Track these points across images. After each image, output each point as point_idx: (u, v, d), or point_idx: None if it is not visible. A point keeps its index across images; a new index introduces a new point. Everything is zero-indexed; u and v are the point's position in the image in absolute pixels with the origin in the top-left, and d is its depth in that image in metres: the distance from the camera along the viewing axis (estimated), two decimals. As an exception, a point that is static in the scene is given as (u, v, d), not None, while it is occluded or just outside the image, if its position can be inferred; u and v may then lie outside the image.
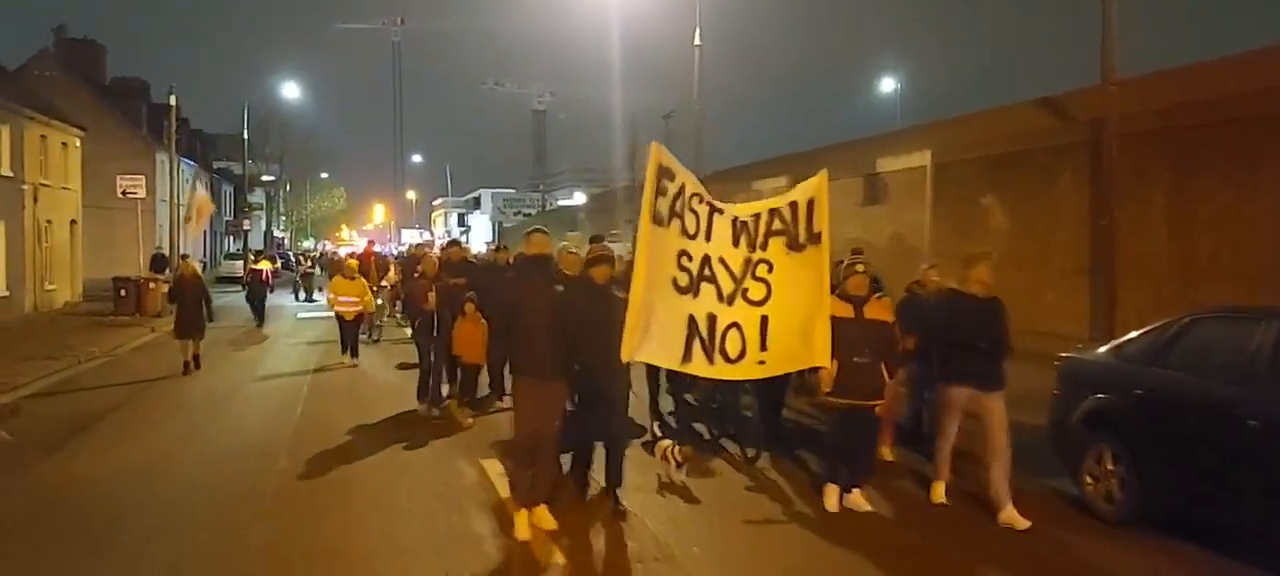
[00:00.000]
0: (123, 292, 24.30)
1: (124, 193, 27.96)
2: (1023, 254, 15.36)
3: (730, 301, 6.38)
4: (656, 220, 6.20)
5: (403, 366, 14.02)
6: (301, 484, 7.65)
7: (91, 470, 8.21)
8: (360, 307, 15.02)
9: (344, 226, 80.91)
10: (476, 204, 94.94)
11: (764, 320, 6.37)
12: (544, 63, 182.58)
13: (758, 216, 6.57)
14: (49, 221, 28.14)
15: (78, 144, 30.94)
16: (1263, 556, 5.53)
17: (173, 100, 32.47)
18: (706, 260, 6.39)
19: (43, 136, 27.88)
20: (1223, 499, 5.76)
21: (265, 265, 23.95)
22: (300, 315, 25.32)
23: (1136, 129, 12.81)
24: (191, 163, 47.43)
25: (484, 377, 10.78)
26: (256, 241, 55.60)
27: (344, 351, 14.99)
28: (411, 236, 75.68)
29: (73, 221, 30.38)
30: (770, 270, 6.46)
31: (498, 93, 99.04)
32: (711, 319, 6.31)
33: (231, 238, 54.88)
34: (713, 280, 6.39)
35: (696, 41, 23.07)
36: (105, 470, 8.21)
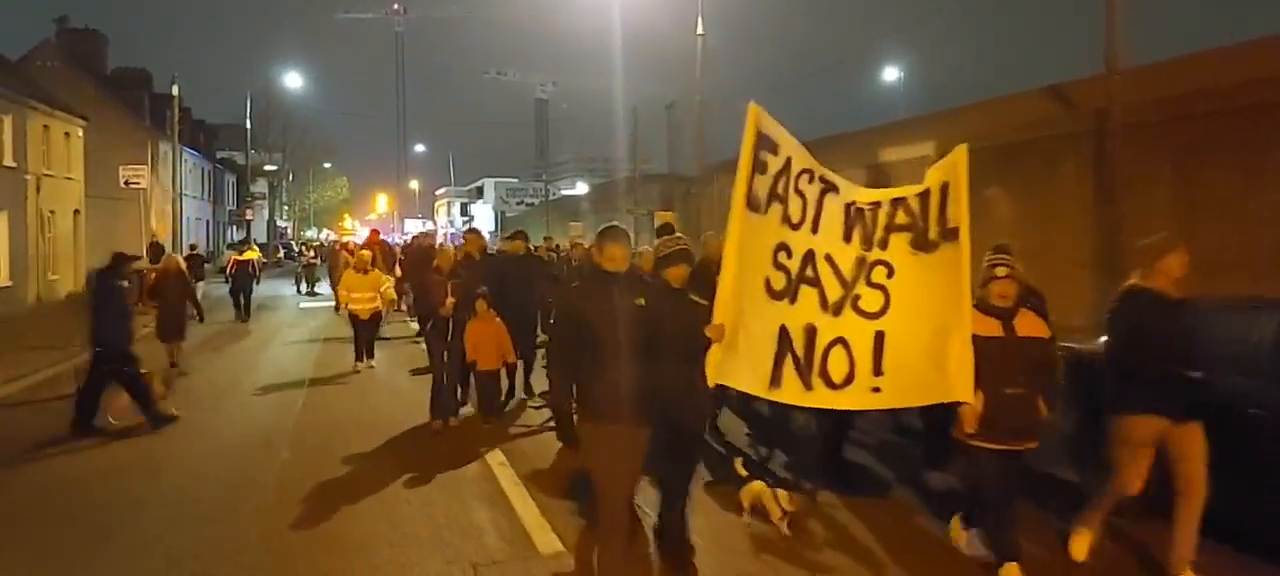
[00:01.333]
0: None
1: (127, 183, 28.05)
2: (1028, 245, 15.32)
3: (836, 311, 5.07)
4: (752, 205, 4.93)
5: (417, 372, 12.40)
6: (303, 475, 7.64)
7: (96, 461, 8.21)
8: (377, 304, 13.46)
9: (346, 216, 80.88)
10: (480, 193, 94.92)
11: (879, 337, 5.03)
12: (547, 52, 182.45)
13: (877, 206, 5.26)
14: (52, 212, 28.19)
15: (80, 134, 30.96)
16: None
17: (175, 90, 32.58)
18: (810, 257, 5.11)
19: (45, 127, 27.90)
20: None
21: (250, 255, 22.36)
22: (303, 305, 25.39)
23: (1141, 119, 12.77)
24: (195, 152, 47.47)
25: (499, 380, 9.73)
26: (259, 231, 55.76)
27: (359, 357, 13.37)
28: (414, 226, 75.72)
29: (76, 211, 30.42)
30: (890, 275, 5.13)
31: (501, 82, 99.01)
32: (810, 332, 5.00)
33: (234, 227, 54.93)
34: (816, 282, 5.11)
35: (699, 31, 23.01)
36: (110, 461, 8.22)
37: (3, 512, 6.74)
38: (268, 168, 61.48)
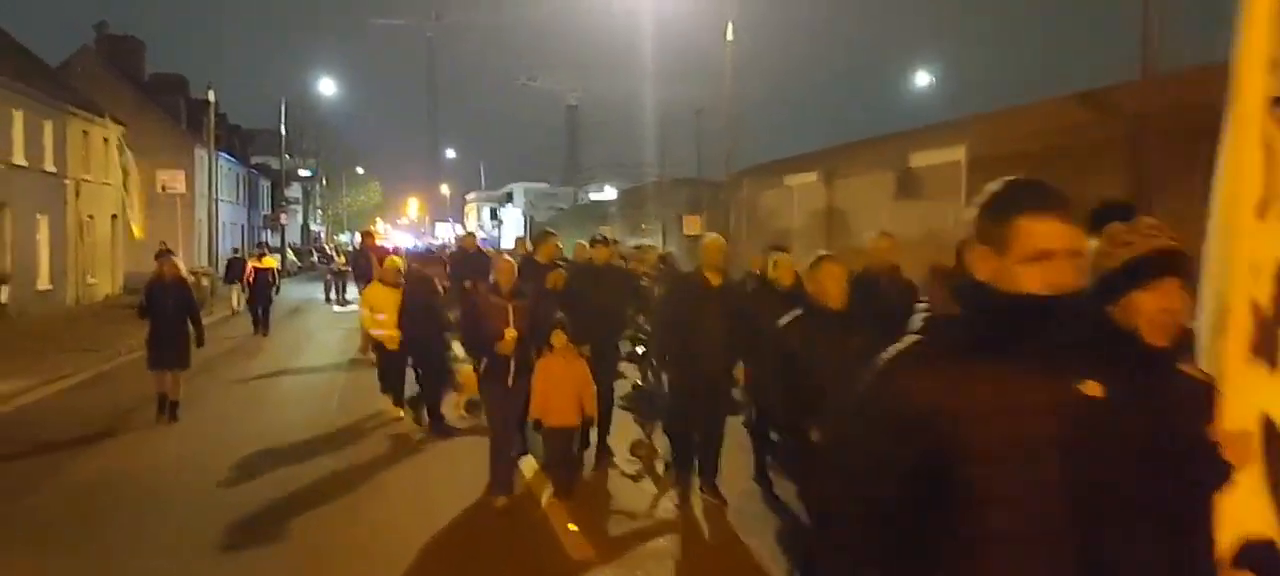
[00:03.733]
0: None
1: (163, 188, 28.38)
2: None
3: None
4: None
5: (472, 407, 9.55)
6: (340, 479, 7.71)
7: (130, 463, 8.34)
8: None
9: (377, 220, 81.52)
10: (509, 198, 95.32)
11: None
12: (577, 57, 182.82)
13: None
14: (91, 216, 28.68)
15: (118, 139, 31.45)
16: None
17: (211, 96, 32.99)
18: None
19: (85, 132, 28.39)
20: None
21: (269, 262, 20.07)
22: (335, 310, 25.53)
23: (1178, 124, 12.57)
24: (230, 157, 48.06)
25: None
26: (293, 235, 56.35)
27: (385, 390, 10.22)
28: (445, 230, 76.13)
29: (113, 216, 30.90)
30: None
31: (531, 88, 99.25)
32: None
33: (269, 232, 55.54)
34: None
35: (729, 36, 22.98)
36: (143, 463, 8.34)
37: (37, 513, 6.85)
38: (302, 173, 62.13)
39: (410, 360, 9.98)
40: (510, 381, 6.82)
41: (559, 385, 6.88)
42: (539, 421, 7.01)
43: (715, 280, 6.69)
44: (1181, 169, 13.08)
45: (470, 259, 15.10)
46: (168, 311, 10.06)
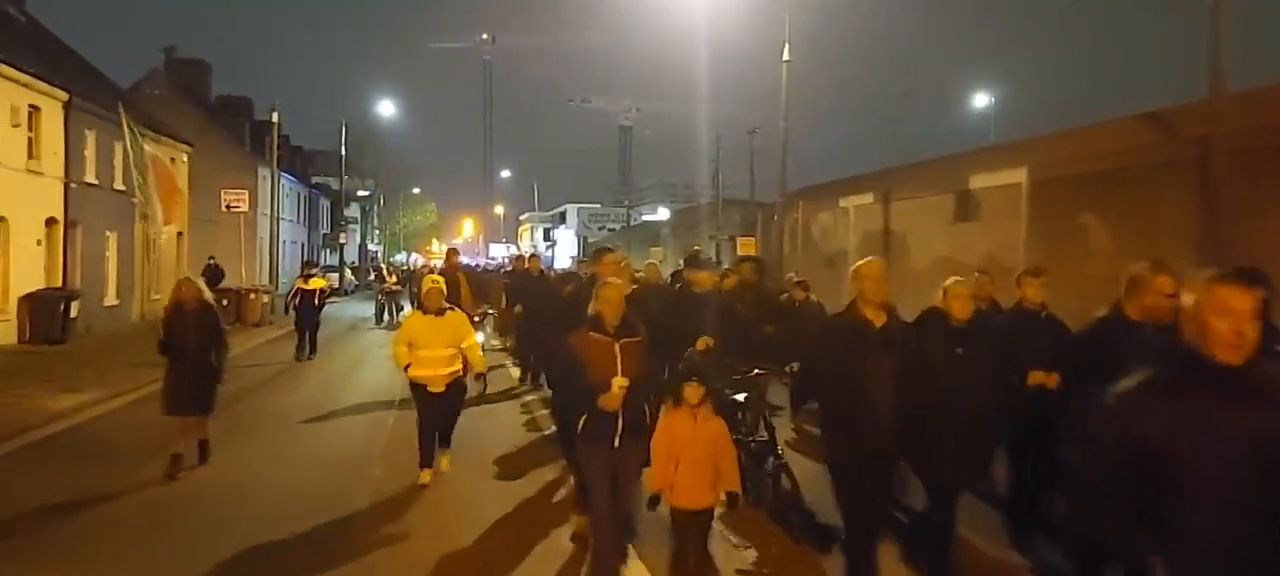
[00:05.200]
0: (224, 302, 25.23)
1: (228, 207, 29.03)
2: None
3: None
4: None
5: (549, 445, 8.83)
6: (393, 495, 7.75)
7: (189, 476, 8.45)
8: (457, 368, 8.31)
9: (434, 240, 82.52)
10: (562, 219, 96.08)
11: None
12: (631, 79, 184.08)
13: None
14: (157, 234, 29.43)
15: (185, 159, 32.31)
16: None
17: (275, 117, 33.78)
18: None
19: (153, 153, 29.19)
20: None
21: (317, 283, 18.43)
22: (386, 336, 25.63)
23: (1249, 145, 12.19)
24: (292, 177, 49.08)
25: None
26: (351, 255, 57.27)
27: (429, 457, 8.19)
28: (500, 251, 76.74)
29: (180, 234, 31.70)
30: None
31: (585, 109, 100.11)
32: None
33: (328, 250, 56.51)
34: None
35: (785, 57, 22.89)
36: (203, 476, 8.46)
37: (92, 529, 6.96)
38: (360, 193, 63.23)
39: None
40: (617, 443, 5.26)
41: (689, 451, 5.31)
42: (657, 499, 5.45)
43: (878, 320, 5.05)
44: (1253, 188, 12.69)
45: (533, 283, 14.01)
46: (188, 347, 8.32)
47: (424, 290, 8.47)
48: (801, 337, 7.27)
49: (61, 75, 21.72)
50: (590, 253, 7.17)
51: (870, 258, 5.26)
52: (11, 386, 13.51)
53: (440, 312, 8.21)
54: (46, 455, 9.65)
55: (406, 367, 8.14)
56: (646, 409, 5.48)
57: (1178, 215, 14.12)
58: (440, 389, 8.14)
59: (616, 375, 5.16)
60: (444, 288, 8.45)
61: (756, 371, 7.29)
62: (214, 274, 27.52)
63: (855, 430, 4.88)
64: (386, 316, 26.96)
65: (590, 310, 5.44)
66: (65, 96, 21.80)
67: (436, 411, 8.22)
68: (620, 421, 5.25)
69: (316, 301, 18.06)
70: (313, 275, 18.76)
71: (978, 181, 20.08)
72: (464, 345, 8.32)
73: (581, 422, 5.34)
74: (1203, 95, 12.06)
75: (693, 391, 5.37)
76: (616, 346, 5.28)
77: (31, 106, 20.75)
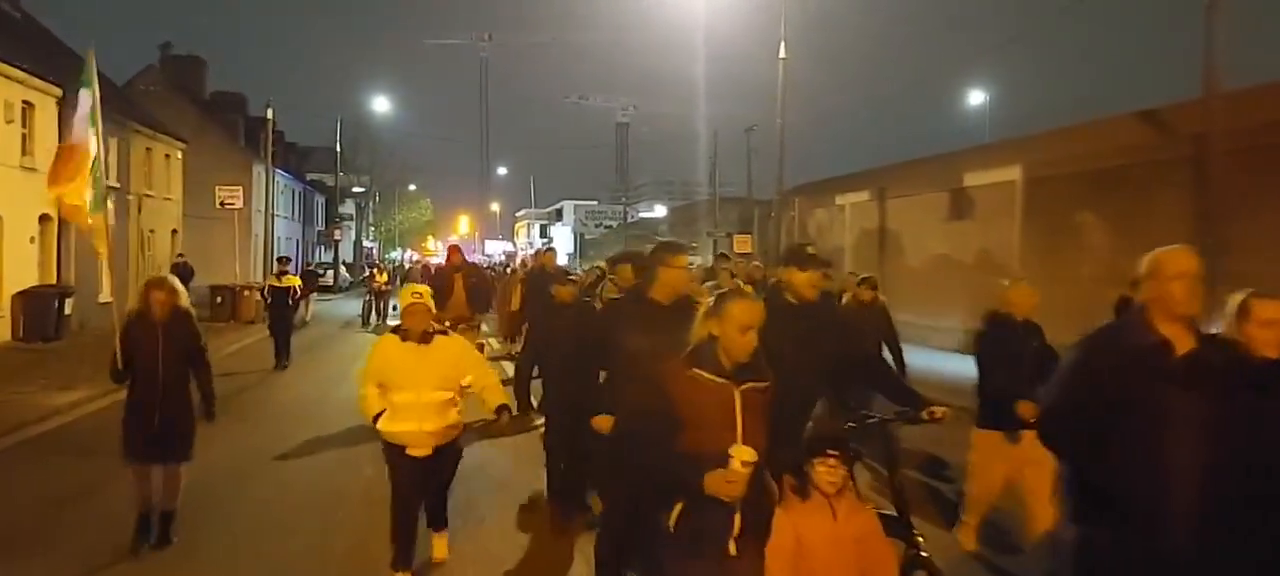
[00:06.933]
0: (219, 299, 25.29)
1: (222, 203, 29.00)
2: (1123, 274, 14.83)
3: None
4: None
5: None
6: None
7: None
8: (454, 420, 5.59)
9: (430, 237, 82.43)
10: (559, 215, 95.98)
11: None
12: (627, 77, 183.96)
13: None
14: (151, 231, 29.42)
15: (180, 156, 32.28)
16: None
17: (269, 114, 33.73)
18: None
19: (148, 149, 29.16)
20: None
21: (290, 282, 16.70)
22: (373, 338, 25.28)
23: (1245, 144, 12.24)
24: (287, 174, 49.01)
25: None
26: (346, 252, 57.23)
27: (408, 556, 5.55)
28: (496, 248, 76.66)
29: (174, 231, 31.66)
30: None
31: (582, 106, 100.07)
32: None
33: (323, 247, 56.48)
34: None
35: (782, 54, 22.89)
36: (198, 473, 8.42)
37: (91, 523, 6.95)
38: (355, 189, 63.18)
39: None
40: (731, 546, 3.35)
41: (828, 563, 3.45)
42: None
43: (1183, 342, 3.60)
44: (1249, 189, 12.72)
45: (544, 285, 9.86)
46: (157, 370, 6.22)
47: (402, 306, 5.55)
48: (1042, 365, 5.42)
49: (56, 71, 21.65)
50: (655, 249, 5.02)
51: (1178, 245, 3.30)
52: (6, 383, 13.48)
53: (427, 338, 5.44)
54: (42, 451, 9.65)
55: (377, 417, 5.46)
56: (774, 493, 3.58)
57: (1173, 213, 14.16)
58: (426, 452, 5.42)
59: (736, 441, 3.26)
60: (431, 304, 5.57)
61: (880, 417, 4.76)
62: (183, 272, 25.09)
63: (1142, 522, 3.03)
64: (374, 318, 25.54)
65: (698, 331, 3.49)
66: (59, 93, 21.73)
67: (421, 484, 5.55)
68: (738, 518, 3.35)
69: (291, 301, 16.58)
70: (285, 272, 17.06)
71: (972, 179, 20.13)
72: (470, 384, 5.60)
73: (673, 515, 3.37)
74: (1198, 94, 12.10)
75: (829, 471, 3.47)
76: (737, 395, 3.36)
77: (25, 103, 20.69)
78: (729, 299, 3.47)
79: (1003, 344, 5.81)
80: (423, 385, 5.38)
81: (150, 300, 6.28)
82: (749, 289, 3.76)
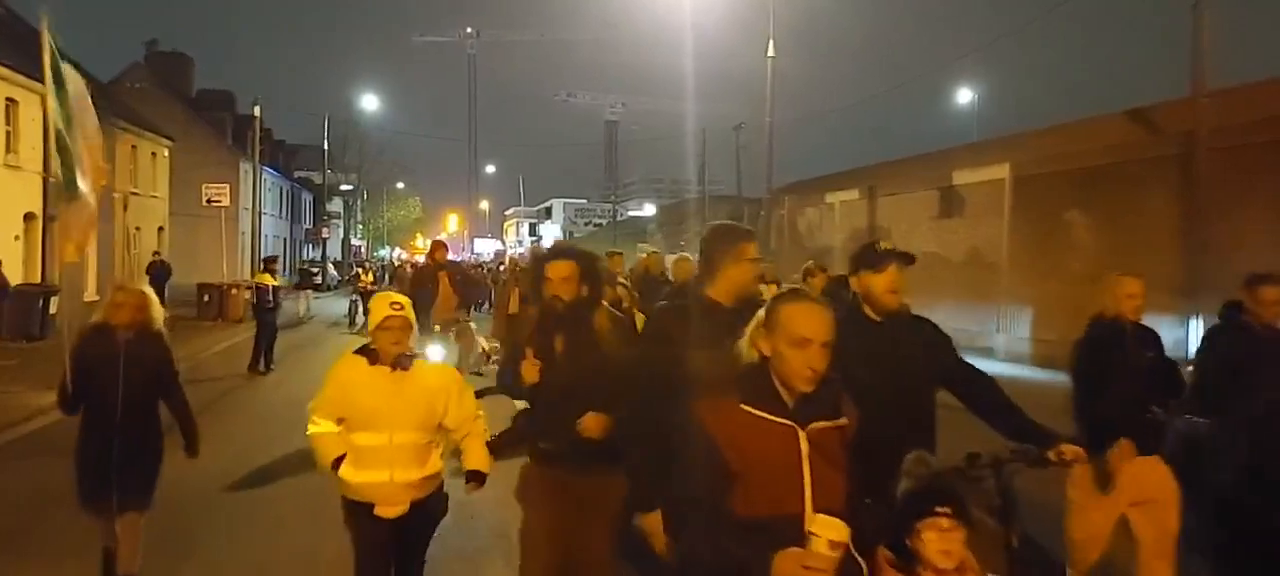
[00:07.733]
0: (206, 298, 25.08)
1: (209, 201, 28.85)
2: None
3: None
4: None
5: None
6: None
7: (173, 473, 8.35)
8: (434, 473, 4.21)
9: (418, 235, 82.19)
10: (548, 214, 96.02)
11: None
12: (616, 74, 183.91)
13: None
14: (138, 228, 29.25)
15: (166, 154, 32.11)
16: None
17: (257, 111, 33.60)
18: None
19: (134, 146, 28.99)
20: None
21: (267, 280, 15.69)
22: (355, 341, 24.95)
23: (1233, 142, 12.30)
24: (274, 171, 48.80)
25: None
26: (334, 250, 57.01)
27: None
28: (485, 246, 76.49)
29: (160, 228, 31.48)
30: None
31: (571, 104, 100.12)
32: None
33: (310, 245, 56.26)
34: None
35: (770, 53, 22.90)
36: (187, 473, 8.36)
37: (77, 524, 6.85)
38: (343, 187, 62.93)
39: None
40: None
41: None
42: None
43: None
44: (1237, 186, 12.79)
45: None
46: (113, 399, 5.23)
47: (375, 320, 4.11)
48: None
49: (41, 68, 21.49)
50: (714, 232, 3.96)
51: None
52: (-9, 383, 13.38)
53: (403, 364, 4.09)
54: (28, 451, 9.55)
55: (337, 463, 4.20)
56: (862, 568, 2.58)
57: (1160, 210, 14.23)
58: (401, 509, 4.15)
59: (805, 503, 2.42)
60: (412, 317, 4.17)
61: (994, 457, 3.27)
62: (159, 271, 24.58)
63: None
64: (361, 318, 23.40)
65: (746, 351, 2.60)
66: (44, 89, 21.58)
67: (387, 552, 4.24)
68: None
69: (270, 301, 15.49)
70: (266, 271, 16.14)
71: (961, 177, 20.18)
72: (452, 428, 4.27)
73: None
74: (1186, 93, 12.15)
75: (942, 538, 2.58)
76: (802, 439, 2.48)
77: (9, 100, 20.54)
78: (782, 302, 2.58)
79: (1111, 354, 4.64)
80: (397, 424, 4.04)
81: (118, 316, 5.29)
82: (814, 294, 2.81)
